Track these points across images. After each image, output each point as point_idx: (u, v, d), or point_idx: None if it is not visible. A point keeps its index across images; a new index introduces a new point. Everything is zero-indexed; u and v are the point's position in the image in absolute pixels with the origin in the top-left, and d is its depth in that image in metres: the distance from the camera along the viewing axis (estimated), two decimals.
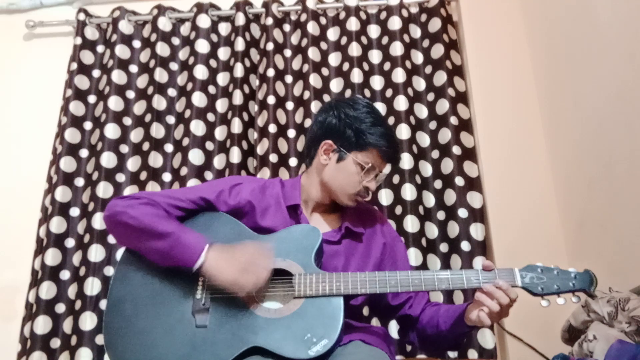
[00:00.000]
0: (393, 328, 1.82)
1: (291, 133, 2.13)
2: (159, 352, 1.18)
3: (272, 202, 1.37)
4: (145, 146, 2.18)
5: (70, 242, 2.07)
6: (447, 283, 1.20)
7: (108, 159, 2.13)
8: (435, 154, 2.09)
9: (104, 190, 2.09)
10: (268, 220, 1.34)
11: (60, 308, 1.98)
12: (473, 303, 1.22)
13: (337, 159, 1.35)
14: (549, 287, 1.18)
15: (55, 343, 1.94)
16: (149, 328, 1.21)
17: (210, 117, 2.20)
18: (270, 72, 2.19)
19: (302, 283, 1.21)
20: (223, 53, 2.28)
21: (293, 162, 2.08)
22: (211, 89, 2.23)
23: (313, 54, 2.22)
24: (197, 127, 2.15)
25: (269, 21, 2.26)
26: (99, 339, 1.93)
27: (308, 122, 2.11)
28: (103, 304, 1.96)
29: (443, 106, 2.10)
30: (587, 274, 1.19)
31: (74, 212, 2.10)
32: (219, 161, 2.12)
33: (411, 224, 1.96)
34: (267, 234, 1.31)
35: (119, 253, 2.01)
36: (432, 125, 2.13)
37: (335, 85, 2.19)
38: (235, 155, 2.09)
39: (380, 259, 1.39)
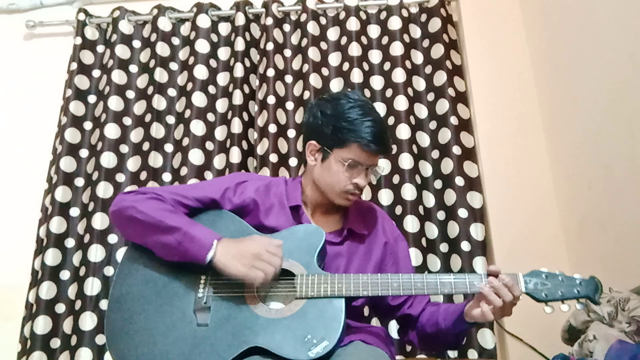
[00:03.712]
0: (393, 328, 1.82)
1: (291, 133, 2.13)
2: (160, 349, 1.18)
3: (275, 202, 1.37)
4: (145, 146, 2.18)
5: (70, 242, 2.07)
6: (450, 287, 1.19)
7: (108, 159, 2.13)
8: (435, 154, 2.09)
9: (104, 190, 2.09)
10: (271, 219, 1.34)
11: (60, 308, 1.98)
12: (475, 299, 1.21)
13: (321, 158, 1.34)
14: (553, 293, 1.15)
15: (55, 343, 1.94)
16: (150, 326, 1.21)
17: (210, 117, 2.20)
18: (270, 72, 2.18)
19: (304, 284, 1.21)
20: (223, 53, 2.28)
21: (293, 162, 2.08)
22: (211, 89, 2.23)
23: (313, 54, 2.22)
24: (197, 127, 2.15)
25: (269, 21, 2.26)
26: (99, 339, 1.93)
27: None
28: (103, 304, 1.96)
29: (443, 106, 2.10)
30: (593, 280, 1.16)
31: (74, 212, 2.10)
32: (219, 161, 2.12)
33: (411, 224, 1.96)
34: (271, 234, 1.30)
35: (119, 253, 2.02)
36: (432, 125, 2.13)
37: (335, 85, 2.19)
38: (235, 155, 2.09)
39: (381, 259, 1.39)
